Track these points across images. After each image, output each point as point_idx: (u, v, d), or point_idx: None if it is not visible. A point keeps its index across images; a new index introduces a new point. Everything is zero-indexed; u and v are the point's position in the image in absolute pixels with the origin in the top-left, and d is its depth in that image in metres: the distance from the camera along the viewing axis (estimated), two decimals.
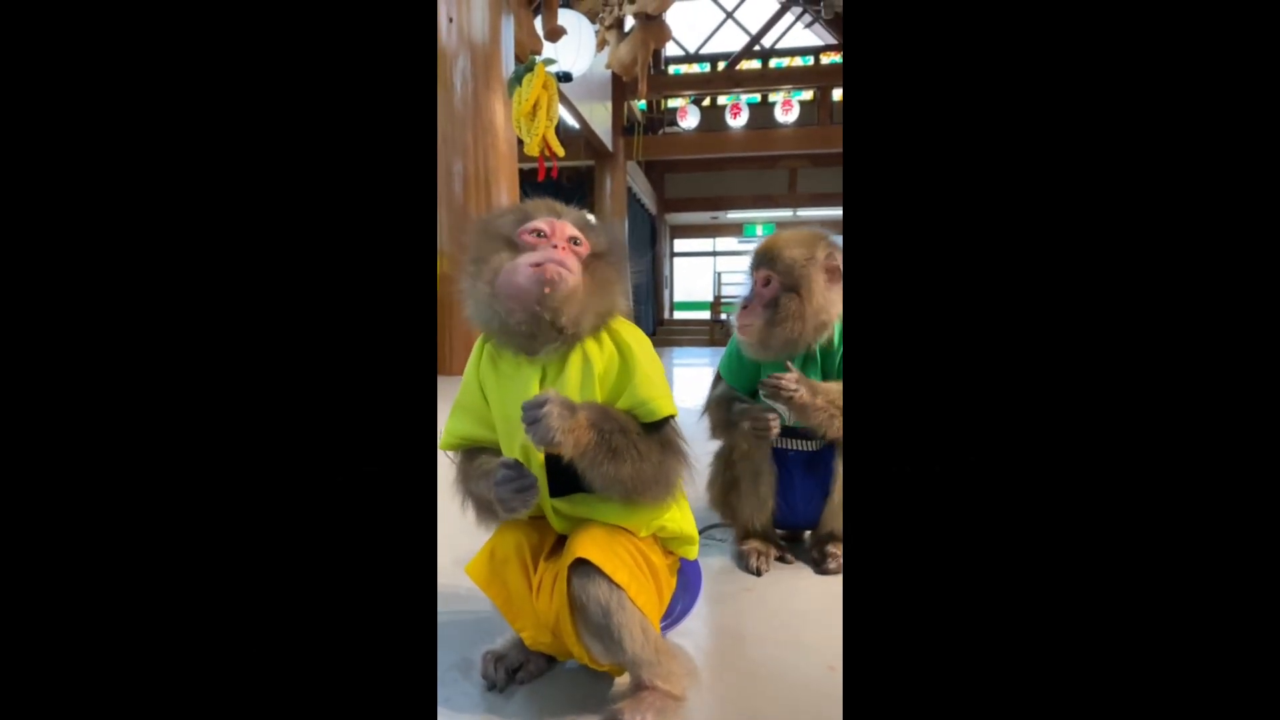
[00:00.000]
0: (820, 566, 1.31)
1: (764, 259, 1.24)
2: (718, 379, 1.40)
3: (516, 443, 0.85)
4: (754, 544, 1.34)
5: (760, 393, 1.23)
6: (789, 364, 1.25)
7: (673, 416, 0.86)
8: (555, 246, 0.82)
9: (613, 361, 0.84)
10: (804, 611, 1.15)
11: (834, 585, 1.25)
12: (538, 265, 0.79)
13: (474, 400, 0.88)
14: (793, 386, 1.19)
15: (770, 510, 1.35)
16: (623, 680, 0.92)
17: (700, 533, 1.55)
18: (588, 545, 0.83)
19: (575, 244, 0.85)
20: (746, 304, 1.23)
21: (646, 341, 0.88)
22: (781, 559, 1.35)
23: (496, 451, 0.89)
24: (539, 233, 0.84)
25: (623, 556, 0.84)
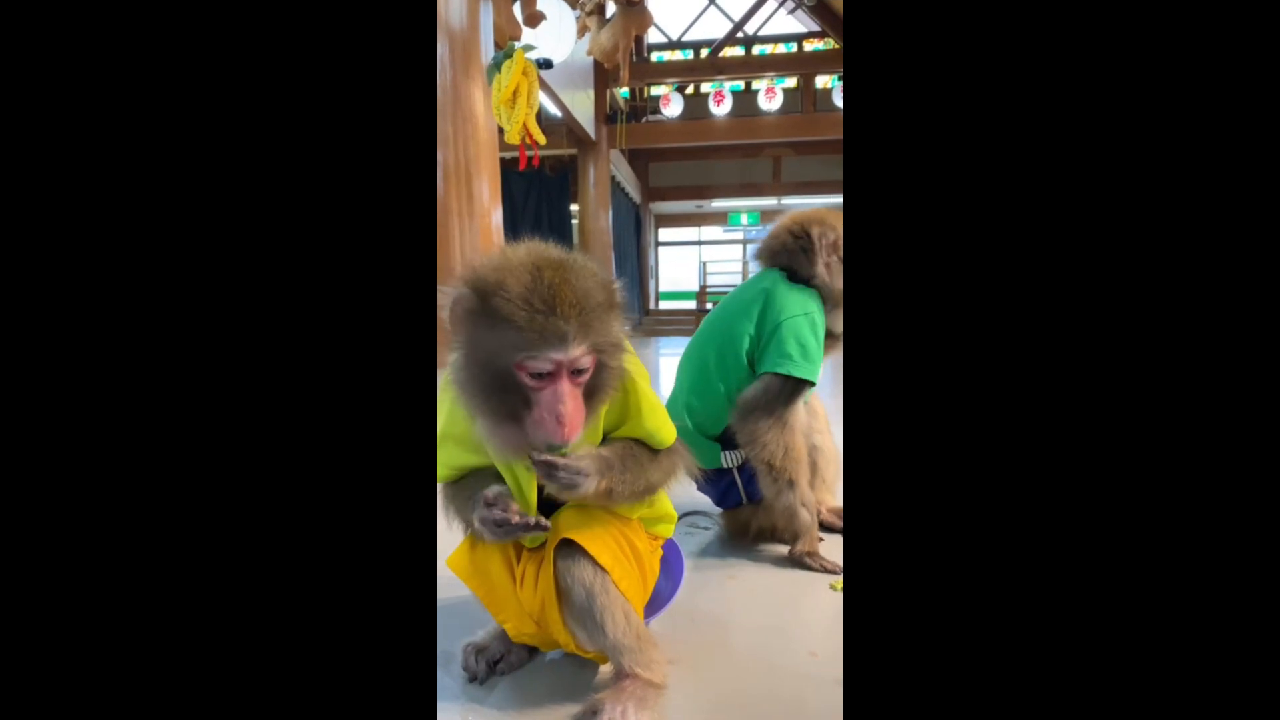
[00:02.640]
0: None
1: None
2: (795, 386, 1.23)
3: (513, 469, 0.82)
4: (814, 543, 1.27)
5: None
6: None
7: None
8: (559, 387, 0.72)
9: (615, 394, 0.83)
10: (786, 598, 1.16)
11: (814, 575, 1.26)
12: (543, 423, 0.71)
13: (462, 428, 0.82)
14: None
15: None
16: (606, 669, 0.91)
17: (681, 517, 1.56)
18: (573, 527, 0.83)
19: (579, 372, 0.73)
20: None
21: (639, 363, 0.88)
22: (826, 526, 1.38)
23: (491, 474, 0.84)
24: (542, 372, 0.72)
25: (607, 540, 0.84)
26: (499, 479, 0.83)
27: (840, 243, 1.28)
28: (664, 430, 0.87)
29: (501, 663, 0.93)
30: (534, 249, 0.76)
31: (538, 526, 0.76)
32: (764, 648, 0.99)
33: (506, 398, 0.72)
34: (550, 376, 0.72)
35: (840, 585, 1.18)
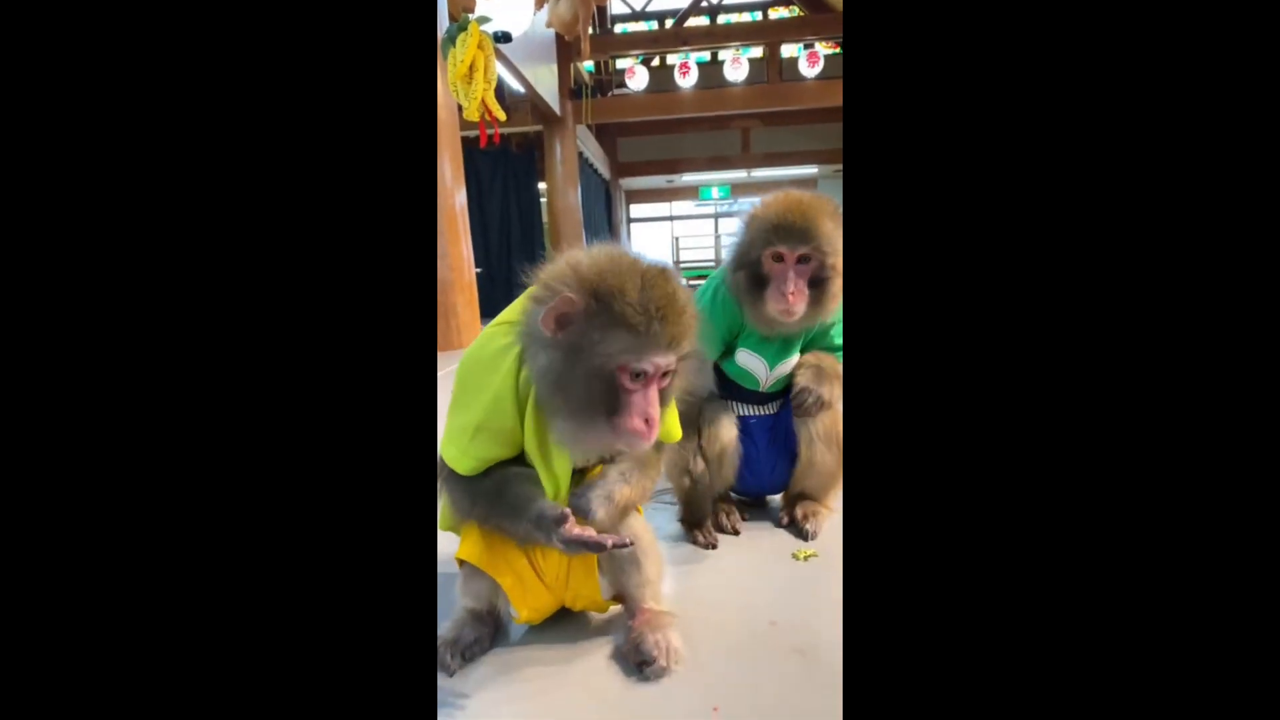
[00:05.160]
0: (799, 528, 1.29)
1: (802, 235, 1.11)
2: None
3: (551, 467, 0.87)
4: (701, 524, 1.29)
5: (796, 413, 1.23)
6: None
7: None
8: (650, 392, 0.78)
9: None
10: (747, 569, 1.17)
11: (778, 546, 1.27)
12: (635, 426, 0.77)
13: (504, 423, 0.85)
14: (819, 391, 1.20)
15: (731, 480, 1.32)
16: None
17: (656, 494, 1.55)
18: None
19: (665, 375, 0.80)
20: (785, 285, 1.12)
21: None
22: (720, 529, 1.32)
23: (520, 468, 0.88)
24: (642, 373, 0.77)
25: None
26: (526, 472, 0.87)
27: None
28: (675, 428, 0.97)
29: (468, 651, 0.93)
30: (628, 255, 0.80)
31: (622, 544, 0.82)
32: (724, 619, 1.00)
33: (601, 398, 0.77)
34: (645, 379, 0.77)
35: (803, 554, 1.20)
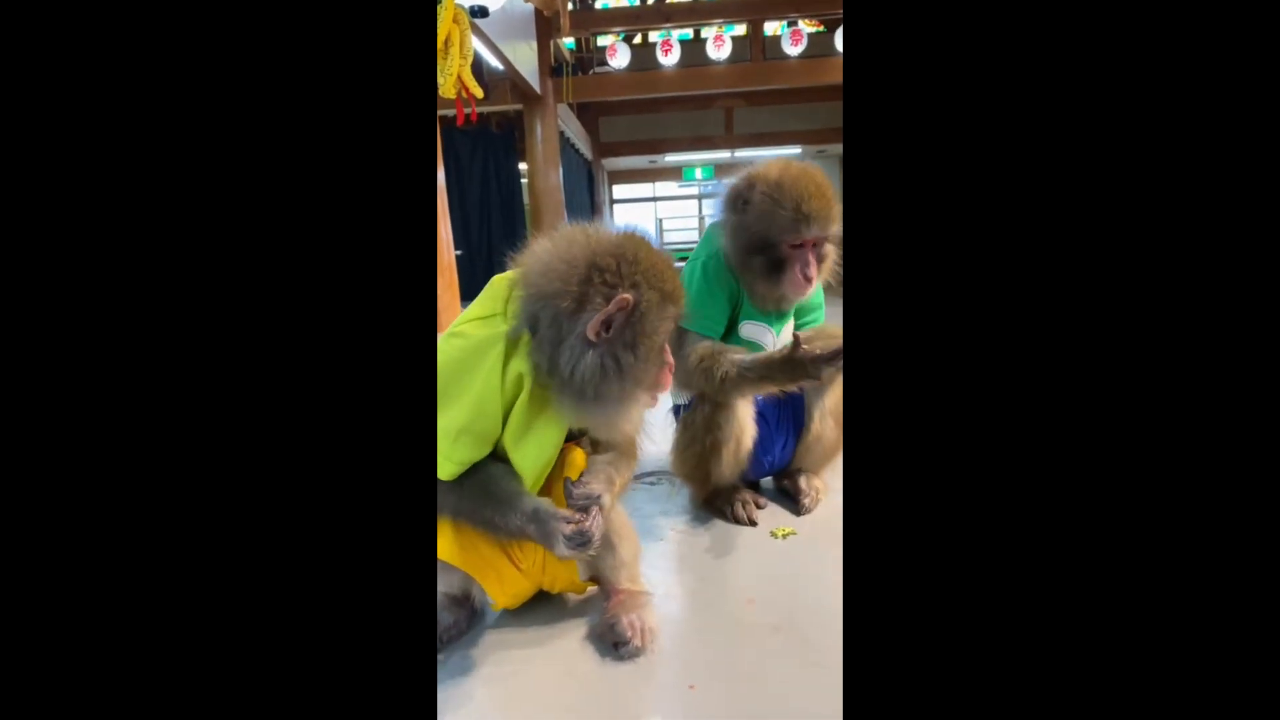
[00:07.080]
0: (796, 501, 1.30)
1: (824, 221, 1.15)
2: (680, 334, 1.24)
3: (529, 460, 0.86)
4: (739, 495, 1.29)
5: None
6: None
7: None
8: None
9: None
10: (725, 549, 1.18)
11: (758, 524, 1.27)
12: (667, 379, 0.87)
13: (489, 424, 0.84)
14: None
15: (746, 464, 1.30)
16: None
17: (636, 478, 1.55)
18: (581, 462, 0.91)
19: None
20: (807, 269, 1.17)
21: None
22: (739, 520, 1.30)
23: (497, 466, 0.87)
24: None
25: (606, 469, 0.91)
26: (508, 468, 0.86)
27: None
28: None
29: (445, 632, 0.93)
30: (635, 234, 0.86)
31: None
32: (702, 597, 1.00)
33: (657, 371, 0.84)
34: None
35: (782, 532, 1.20)
